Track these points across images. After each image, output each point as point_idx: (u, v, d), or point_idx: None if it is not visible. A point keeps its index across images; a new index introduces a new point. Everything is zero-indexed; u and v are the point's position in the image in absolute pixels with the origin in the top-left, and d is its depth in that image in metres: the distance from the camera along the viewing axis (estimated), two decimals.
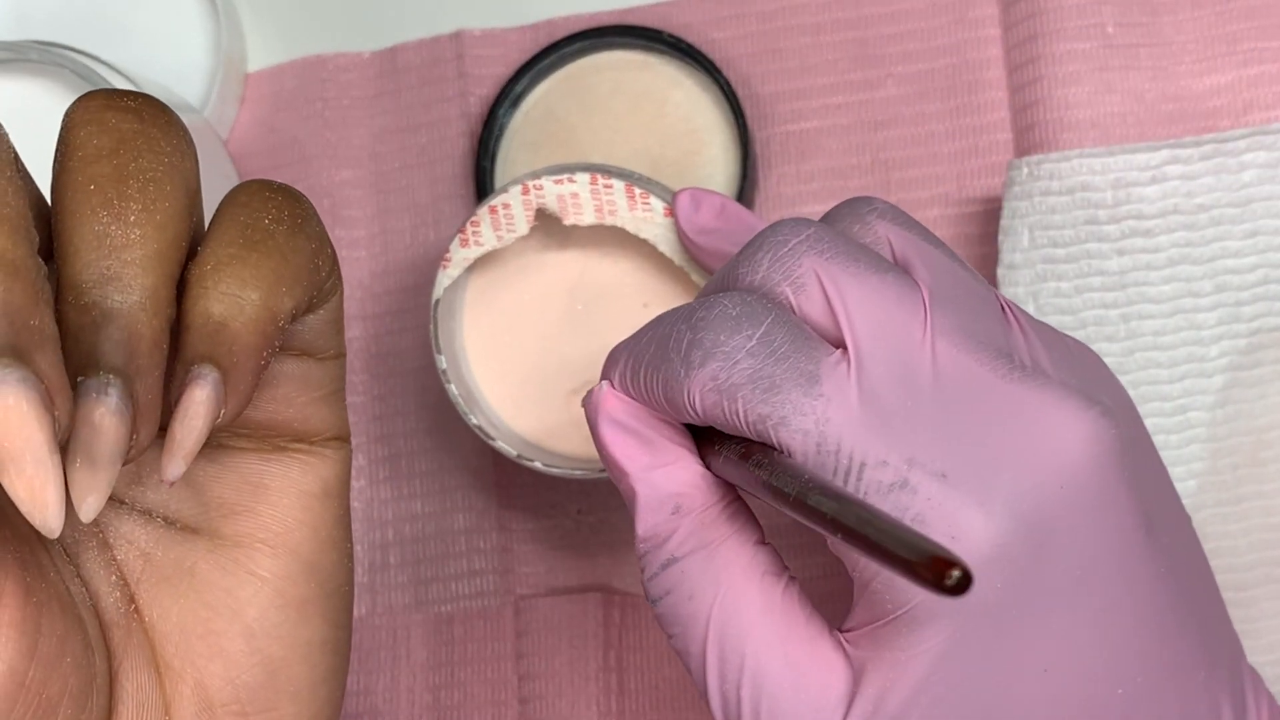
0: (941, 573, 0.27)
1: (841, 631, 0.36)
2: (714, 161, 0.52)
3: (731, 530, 0.37)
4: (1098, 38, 0.51)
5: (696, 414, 0.36)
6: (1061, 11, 0.51)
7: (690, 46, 0.53)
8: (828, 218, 0.39)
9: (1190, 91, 0.51)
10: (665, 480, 0.37)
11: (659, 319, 0.38)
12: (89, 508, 0.29)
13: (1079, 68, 0.51)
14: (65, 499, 0.28)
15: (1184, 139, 0.48)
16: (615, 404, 0.38)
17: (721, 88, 0.52)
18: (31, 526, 0.31)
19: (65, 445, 0.28)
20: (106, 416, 0.28)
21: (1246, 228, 0.47)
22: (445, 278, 0.48)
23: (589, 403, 0.38)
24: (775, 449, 0.35)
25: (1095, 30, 0.51)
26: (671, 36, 0.53)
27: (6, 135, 0.30)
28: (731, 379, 0.35)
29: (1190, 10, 0.51)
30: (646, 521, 0.37)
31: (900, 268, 0.37)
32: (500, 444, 0.48)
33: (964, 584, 0.27)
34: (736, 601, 0.36)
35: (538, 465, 0.48)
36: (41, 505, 0.27)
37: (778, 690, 0.35)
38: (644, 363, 0.37)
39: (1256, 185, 0.47)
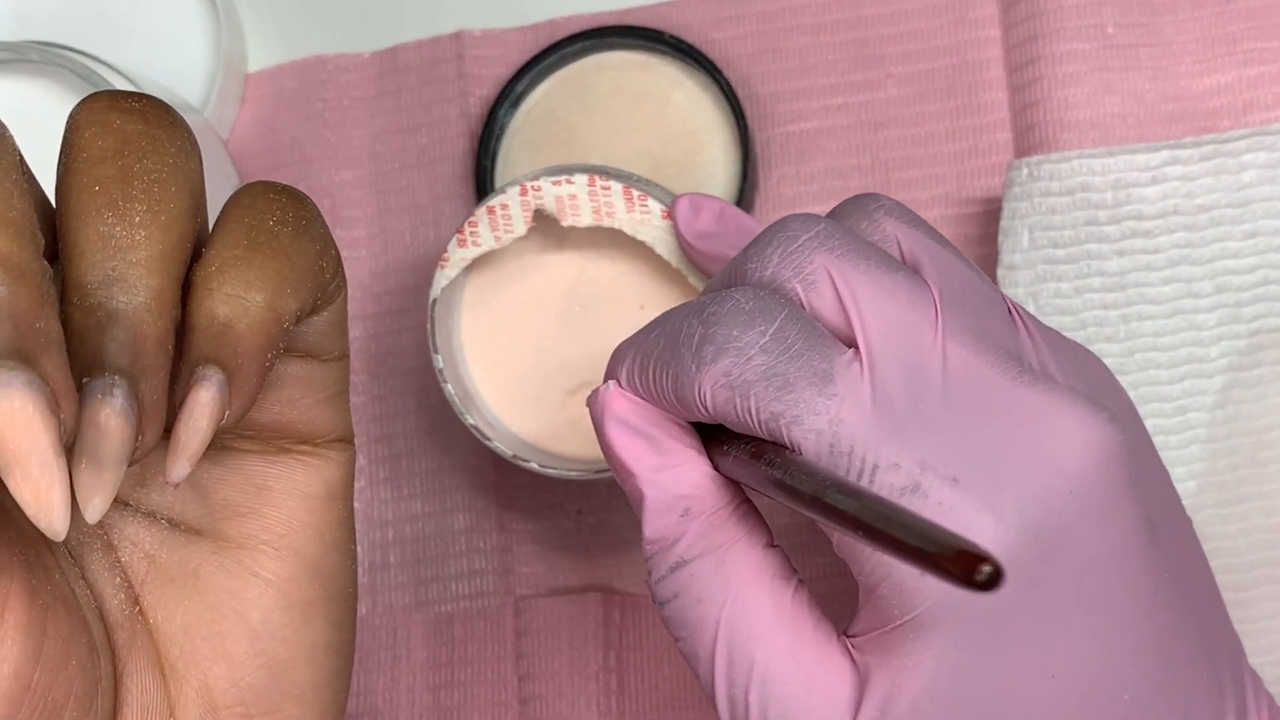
0: (971, 568, 0.26)
1: (847, 636, 0.36)
2: (714, 162, 0.52)
3: (741, 533, 0.37)
4: (1098, 38, 0.51)
5: (707, 411, 0.35)
6: (1061, 12, 0.51)
7: (691, 47, 0.53)
8: (835, 214, 0.39)
9: (1190, 92, 0.51)
10: (674, 482, 0.36)
11: (667, 314, 0.37)
12: (94, 509, 0.29)
13: (1079, 68, 0.51)
14: (71, 502, 0.28)
15: (1184, 139, 0.48)
16: (622, 404, 0.37)
17: (722, 88, 0.52)
18: (36, 529, 0.31)
19: (70, 447, 0.28)
20: (112, 417, 0.28)
21: (1246, 228, 0.47)
22: (443, 277, 0.48)
23: (594, 403, 0.38)
24: (787, 448, 0.34)
25: (1095, 30, 0.51)
26: (672, 37, 0.53)
27: (11, 138, 0.30)
28: (744, 375, 0.34)
29: (1190, 10, 0.51)
30: (655, 524, 0.36)
31: (910, 267, 0.36)
32: (496, 444, 0.48)
33: (995, 579, 0.26)
34: (746, 605, 0.36)
35: (534, 465, 0.48)
36: (47, 508, 0.27)
37: (786, 694, 0.35)
38: (653, 358, 0.36)
39: (1256, 186, 0.47)
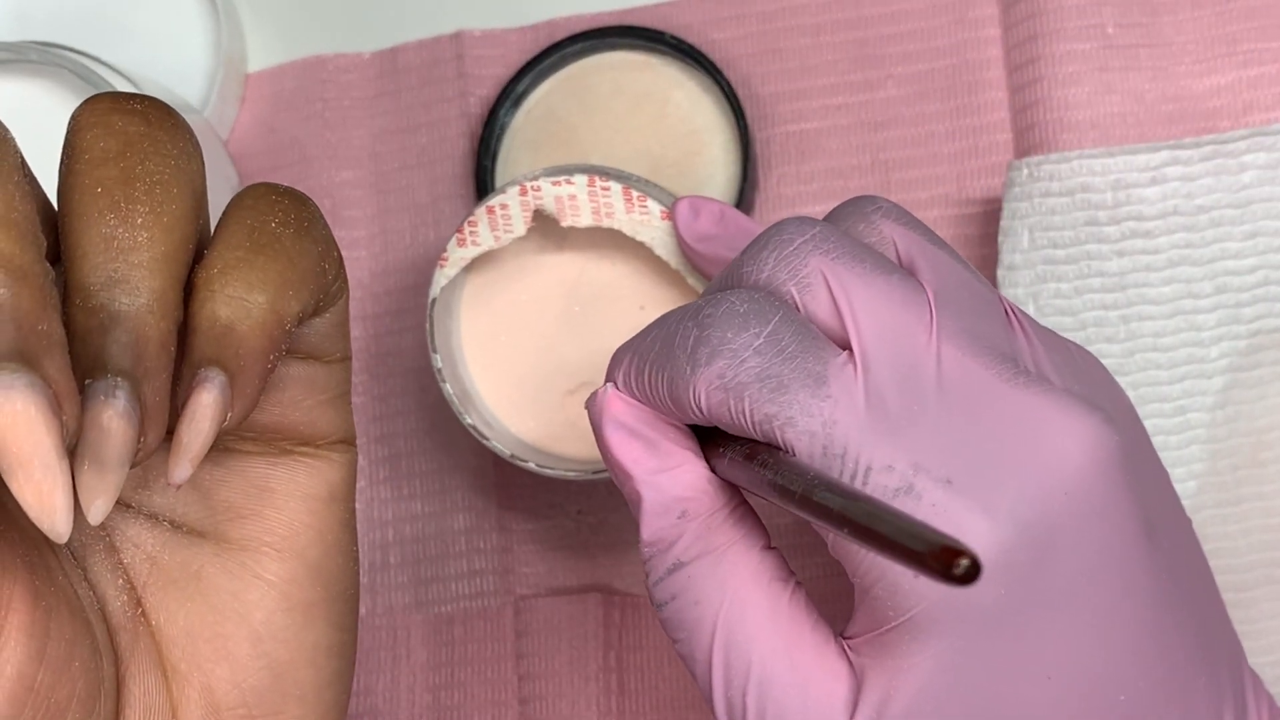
0: (949, 562, 0.26)
1: (844, 638, 0.36)
2: (714, 162, 0.52)
3: (738, 535, 0.37)
4: (1098, 38, 0.51)
5: (701, 413, 0.35)
6: (1061, 12, 0.51)
7: (691, 47, 0.53)
8: (832, 216, 0.39)
9: (1190, 92, 0.51)
10: (671, 484, 0.36)
11: (664, 317, 0.37)
12: (97, 510, 0.29)
13: (1079, 68, 0.51)
14: (74, 504, 0.28)
15: (1184, 140, 0.48)
16: (620, 406, 0.37)
17: (722, 88, 0.52)
18: (39, 530, 0.31)
19: (73, 449, 0.28)
20: (114, 419, 0.28)
21: (1246, 229, 0.48)
22: (442, 277, 0.48)
23: (592, 405, 0.38)
24: (780, 449, 0.34)
25: (1095, 31, 0.51)
26: (673, 37, 0.53)
27: (13, 140, 0.30)
28: (738, 377, 0.35)
29: (1190, 10, 0.52)
30: (652, 526, 0.37)
31: (905, 269, 0.36)
32: (494, 444, 0.48)
33: (973, 573, 0.26)
34: (743, 607, 0.36)
35: (532, 466, 0.48)
36: (50, 511, 0.27)
37: (783, 696, 0.35)
38: (649, 361, 0.37)
39: (1256, 186, 0.47)
